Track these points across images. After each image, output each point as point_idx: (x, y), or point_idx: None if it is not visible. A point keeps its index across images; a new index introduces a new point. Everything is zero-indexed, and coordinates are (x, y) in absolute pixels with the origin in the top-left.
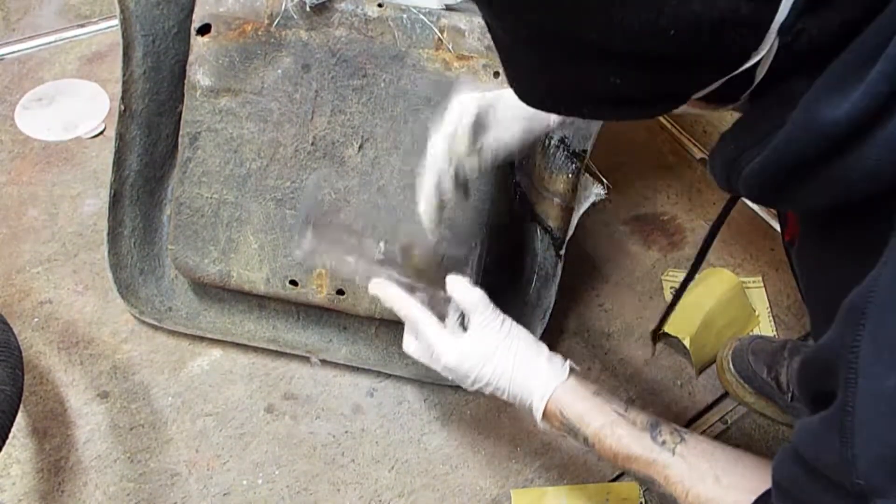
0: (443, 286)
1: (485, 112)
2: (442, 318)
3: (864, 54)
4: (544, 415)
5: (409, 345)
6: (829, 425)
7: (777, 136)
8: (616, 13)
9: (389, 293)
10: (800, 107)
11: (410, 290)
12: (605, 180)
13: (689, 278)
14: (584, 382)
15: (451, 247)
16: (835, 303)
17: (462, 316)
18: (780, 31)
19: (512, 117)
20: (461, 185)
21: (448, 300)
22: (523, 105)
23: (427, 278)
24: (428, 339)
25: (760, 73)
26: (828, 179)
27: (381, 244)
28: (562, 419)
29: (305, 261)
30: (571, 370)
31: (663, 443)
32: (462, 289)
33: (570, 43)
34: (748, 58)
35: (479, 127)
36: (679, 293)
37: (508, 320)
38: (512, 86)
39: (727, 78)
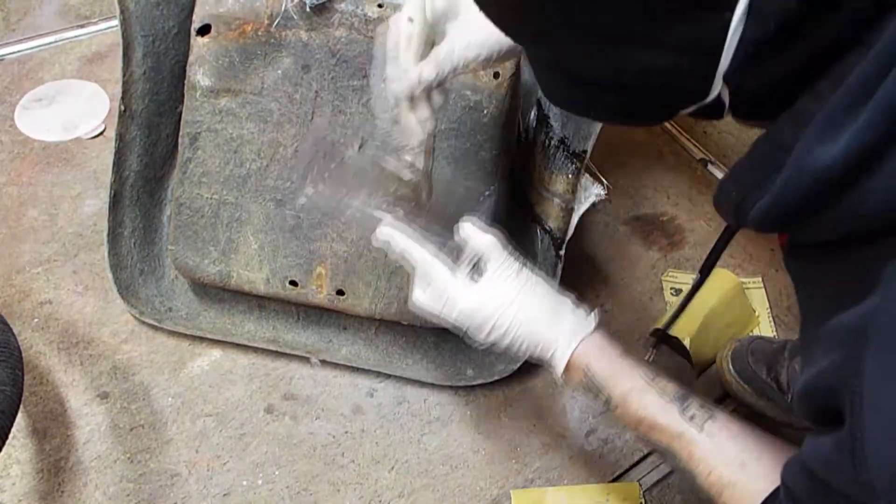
0: (454, 232)
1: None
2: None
3: (851, 101)
4: (566, 369)
5: (420, 295)
6: (840, 449)
7: (776, 181)
8: (586, 63)
9: (397, 238)
10: (794, 152)
11: (420, 237)
12: (605, 181)
13: (695, 288)
14: (612, 340)
15: (462, 188)
16: (826, 312)
17: (476, 263)
18: (726, 79)
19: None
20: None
21: (461, 248)
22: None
23: (438, 223)
24: (440, 285)
25: (727, 100)
26: (831, 216)
27: (388, 187)
28: (585, 375)
29: (307, 209)
30: (598, 323)
31: (692, 417)
32: (476, 233)
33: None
34: (704, 98)
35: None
36: (685, 302)
37: (529, 267)
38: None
39: (695, 108)
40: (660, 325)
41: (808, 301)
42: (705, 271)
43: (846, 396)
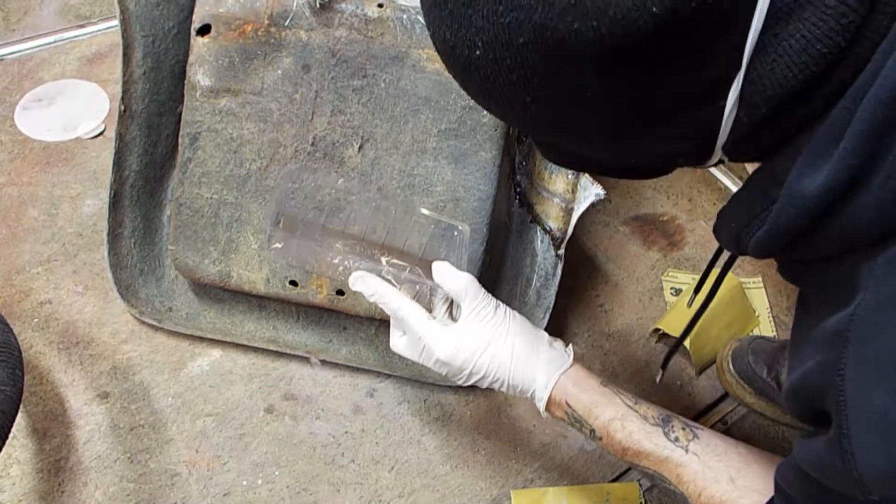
0: (428, 274)
1: None
2: (430, 310)
3: (834, 131)
4: (548, 405)
5: (397, 342)
6: (830, 449)
7: (772, 211)
8: (591, 154)
9: (371, 285)
10: (786, 184)
11: (394, 282)
12: (600, 186)
13: (707, 301)
14: (589, 372)
15: (436, 231)
16: (815, 317)
17: (451, 305)
18: (724, 151)
19: None
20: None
21: (435, 289)
22: None
23: (411, 266)
24: (417, 333)
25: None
26: (822, 239)
27: (360, 233)
28: (567, 410)
29: (278, 258)
30: (575, 356)
31: (676, 439)
32: (449, 275)
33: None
34: (703, 165)
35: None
36: (700, 312)
37: (502, 306)
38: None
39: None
40: (659, 325)
41: (801, 306)
42: (712, 291)
43: (831, 396)
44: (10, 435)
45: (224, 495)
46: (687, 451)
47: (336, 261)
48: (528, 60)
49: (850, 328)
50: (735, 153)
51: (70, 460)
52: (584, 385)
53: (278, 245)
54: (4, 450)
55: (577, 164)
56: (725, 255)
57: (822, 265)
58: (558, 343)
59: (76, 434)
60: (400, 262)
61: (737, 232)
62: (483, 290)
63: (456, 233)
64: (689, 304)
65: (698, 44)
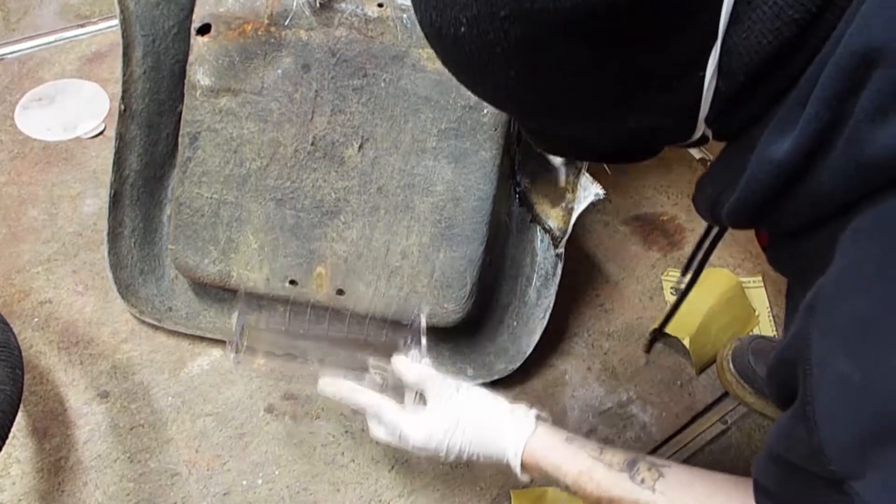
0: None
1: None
2: (400, 388)
3: (798, 101)
4: (523, 469)
5: (376, 430)
6: (795, 418)
7: (742, 179)
8: (575, 132)
9: (340, 389)
10: (755, 151)
11: (361, 371)
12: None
13: (689, 285)
14: (554, 430)
15: (391, 326)
16: (800, 297)
17: (418, 393)
18: (707, 123)
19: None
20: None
21: (400, 381)
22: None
23: (374, 352)
24: (391, 423)
25: (710, 133)
26: (793, 205)
27: (323, 332)
28: (540, 471)
29: (242, 369)
30: (538, 417)
31: (642, 481)
32: (407, 368)
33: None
34: (689, 139)
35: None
36: (679, 301)
37: (463, 384)
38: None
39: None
40: (658, 325)
41: (789, 298)
42: (697, 271)
43: (800, 366)
44: (10, 434)
45: (224, 495)
46: (654, 491)
47: (303, 363)
48: (510, 33)
49: (818, 298)
50: (718, 128)
51: (70, 460)
52: (550, 445)
53: (234, 359)
54: (4, 449)
55: (563, 148)
56: (717, 247)
57: (799, 241)
58: (520, 408)
59: (76, 434)
60: (365, 357)
61: (713, 199)
62: (440, 374)
63: (413, 317)
64: (674, 292)
65: (676, 14)
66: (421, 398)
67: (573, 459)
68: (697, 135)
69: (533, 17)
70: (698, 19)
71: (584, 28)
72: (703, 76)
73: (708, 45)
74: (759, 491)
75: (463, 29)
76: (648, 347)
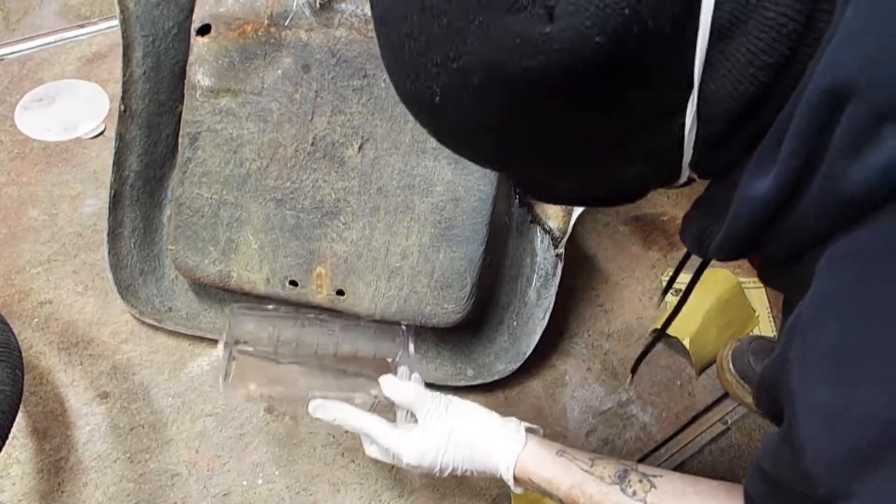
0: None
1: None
2: (393, 404)
3: (775, 140)
4: (516, 483)
5: (371, 450)
6: (782, 440)
7: (727, 216)
8: (559, 184)
9: (332, 412)
10: (737, 189)
11: (352, 391)
12: None
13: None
14: (545, 443)
15: (379, 341)
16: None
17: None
18: (692, 167)
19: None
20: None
21: (390, 399)
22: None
23: (366, 377)
24: (383, 443)
25: (683, 177)
26: (776, 239)
27: (311, 352)
28: (532, 485)
29: (233, 396)
30: (529, 431)
31: (634, 493)
32: (396, 389)
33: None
34: (674, 183)
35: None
36: (680, 303)
37: (453, 401)
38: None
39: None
40: (659, 325)
41: (786, 309)
42: (697, 273)
43: (783, 389)
44: (10, 435)
45: (224, 495)
46: (645, 502)
47: (294, 387)
48: (485, 101)
49: (797, 324)
50: (703, 170)
51: (70, 460)
52: (542, 459)
53: (235, 382)
54: (4, 450)
55: (553, 197)
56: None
57: (788, 266)
58: (511, 423)
59: (76, 434)
60: (355, 376)
61: (698, 236)
62: (429, 392)
63: (401, 331)
64: (658, 304)
65: (647, 67)
66: (412, 415)
67: (564, 473)
68: (683, 178)
69: (504, 85)
70: (671, 70)
71: (556, 92)
72: (683, 124)
73: (684, 94)
74: (749, 502)
75: (437, 99)
76: (636, 364)
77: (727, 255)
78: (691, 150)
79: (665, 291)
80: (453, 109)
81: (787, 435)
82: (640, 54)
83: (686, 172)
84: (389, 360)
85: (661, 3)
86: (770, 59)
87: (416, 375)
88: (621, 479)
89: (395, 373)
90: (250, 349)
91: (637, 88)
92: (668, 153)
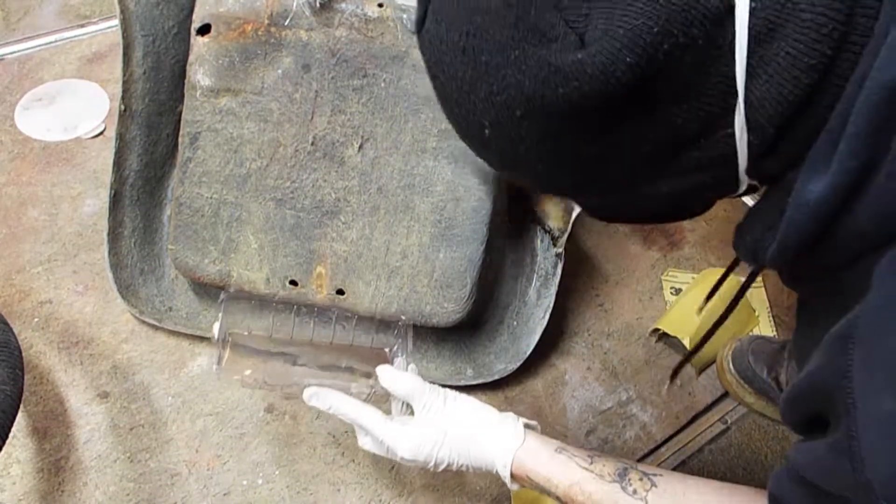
0: (380, 362)
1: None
2: (388, 395)
3: (830, 140)
4: (513, 479)
5: (365, 442)
6: (838, 452)
7: (782, 221)
8: (618, 208)
9: (327, 400)
10: (792, 194)
11: (348, 380)
12: None
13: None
14: (544, 440)
15: (377, 332)
16: (822, 324)
17: (405, 404)
18: (748, 175)
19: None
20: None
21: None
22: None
23: (360, 361)
24: (377, 434)
25: (742, 187)
26: (832, 245)
27: (307, 338)
28: (530, 482)
29: (227, 378)
30: (527, 427)
31: (634, 492)
32: (394, 380)
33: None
34: (735, 193)
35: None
36: (716, 325)
37: (451, 394)
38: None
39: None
40: (659, 324)
41: (805, 312)
42: (734, 302)
43: (838, 400)
44: (11, 434)
45: (224, 495)
46: (646, 501)
47: (288, 374)
48: (530, 131)
49: (856, 330)
50: (760, 177)
51: (70, 460)
52: (540, 456)
53: (228, 366)
54: (4, 449)
55: (614, 215)
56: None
57: (833, 272)
58: (509, 418)
59: (76, 434)
60: (351, 366)
61: (753, 245)
62: (427, 384)
63: (400, 323)
64: (674, 292)
65: (685, 81)
66: (408, 407)
67: (563, 471)
68: (743, 187)
69: (546, 114)
70: (712, 81)
71: (596, 115)
72: (733, 133)
73: (729, 104)
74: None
75: (487, 132)
76: (674, 374)
77: (782, 265)
78: (745, 158)
79: (709, 297)
80: (502, 141)
81: (845, 445)
82: (675, 69)
83: (745, 181)
84: (387, 350)
85: (692, 17)
86: (812, 61)
87: (412, 367)
88: (621, 477)
89: (392, 364)
90: (245, 334)
91: (677, 102)
92: (722, 163)
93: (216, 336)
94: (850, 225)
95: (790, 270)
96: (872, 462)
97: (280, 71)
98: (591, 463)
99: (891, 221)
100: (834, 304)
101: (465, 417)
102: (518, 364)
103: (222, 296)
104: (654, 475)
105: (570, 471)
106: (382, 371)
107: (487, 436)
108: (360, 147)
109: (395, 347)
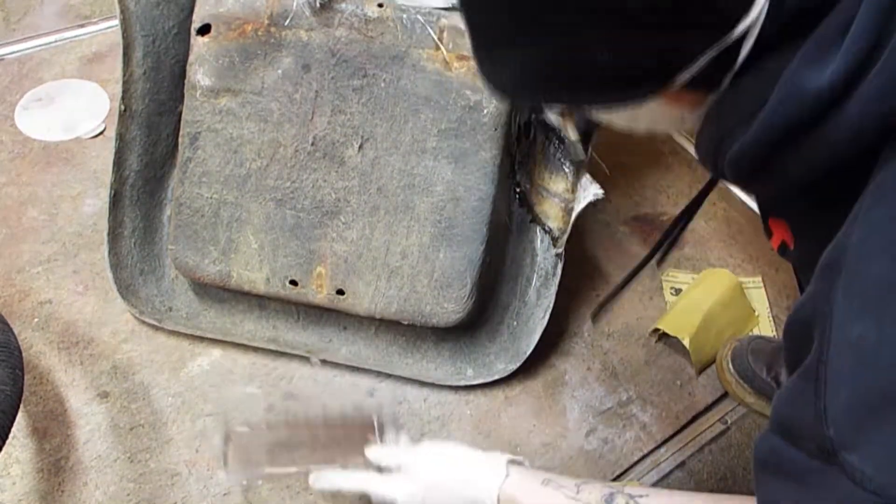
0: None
1: None
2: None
3: (839, 25)
4: None
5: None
6: (805, 378)
7: (763, 111)
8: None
9: (331, 481)
10: (782, 81)
11: (344, 459)
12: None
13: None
14: (530, 473)
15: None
16: (814, 258)
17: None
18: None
19: None
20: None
21: (382, 431)
22: None
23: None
24: (377, 497)
25: (746, 48)
26: (812, 146)
27: (303, 420)
28: None
29: (231, 481)
30: (512, 462)
31: None
32: (381, 457)
33: (561, 5)
34: (739, 21)
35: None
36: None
37: (437, 444)
38: (486, 76)
39: (713, 54)
40: (659, 325)
41: (803, 261)
42: (685, 216)
43: (818, 325)
44: (11, 435)
45: (224, 495)
46: None
47: (291, 464)
48: None
49: (842, 257)
50: (783, 6)
51: (70, 460)
52: (527, 490)
53: (224, 472)
54: (5, 449)
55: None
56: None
57: (815, 204)
58: (494, 455)
59: (76, 434)
60: (345, 441)
61: (718, 139)
62: (414, 447)
63: (376, 418)
64: (674, 292)
65: None
66: (400, 431)
67: (551, 502)
68: (756, 9)
69: None
70: None
71: None
72: None
73: None
74: (758, 465)
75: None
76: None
77: (750, 163)
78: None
79: (649, 256)
80: None
81: (813, 369)
82: None
83: (701, 61)
84: (374, 418)
85: None
86: None
87: (403, 436)
88: (608, 502)
89: (379, 432)
90: (245, 429)
91: None
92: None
93: (218, 441)
94: (842, 120)
95: (746, 180)
96: (834, 385)
97: (280, 71)
98: (578, 492)
99: (882, 112)
100: (817, 226)
101: (451, 463)
102: (518, 364)
103: (224, 425)
104: (641, 496)
105: (557, 501)
106: (371, 453)
107: (473, 476)
108: (360, 147)
109: (379, 417)
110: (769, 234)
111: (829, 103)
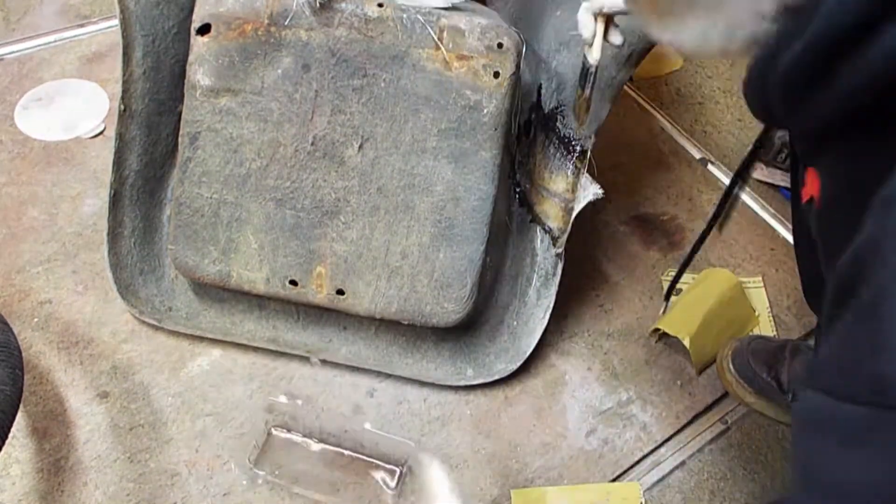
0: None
1: None
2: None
3: None
4: None
5: None
6: (859, 316)
7: (819, 11)
8: None
9: None
10: None
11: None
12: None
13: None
14: None
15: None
16: (856, 207)
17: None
18: None
19: None
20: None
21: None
22: None
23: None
24: None
25: None
26: (867, 54)
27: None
28: None
29: (249, 474)
30: None
31: None
32: None
33: None
34: None
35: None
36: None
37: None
38: None
39: None
40: (660, 324)
41: (827, 216)
42: (718, 214)
43: (873, 259)
44: (10, 434)
45: (224, 495)
46: None
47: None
48: None
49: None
50: None
51: (70, 460)
52: None
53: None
54: (4, 449)
55: None
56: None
57: (857, 146)
58: None
59: (76, 434)
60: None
61: (769, 53)
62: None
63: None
64: (663, 310)
65: None
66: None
67: None
68: None
69: None
70: None
71: None
72: None
73: None
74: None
75: None
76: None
77: (799, 78)
78: None
79: (669, 293)
80: None
81: (866, 306)
82: None
83: None
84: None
85: None
86: None
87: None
88: None
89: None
90: (288, 435)
91: None
92: None
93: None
94: (876, 47)
95: (795, 105)
96: (892, 326)
97: (280, 71)
98: None
99: None
100: (865, 180)
101: None
102: (518, 364)
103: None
104: None
105: None
106: None
107: None
108: (360, 147)
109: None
110: (801, 180)
111: (882, 13)
